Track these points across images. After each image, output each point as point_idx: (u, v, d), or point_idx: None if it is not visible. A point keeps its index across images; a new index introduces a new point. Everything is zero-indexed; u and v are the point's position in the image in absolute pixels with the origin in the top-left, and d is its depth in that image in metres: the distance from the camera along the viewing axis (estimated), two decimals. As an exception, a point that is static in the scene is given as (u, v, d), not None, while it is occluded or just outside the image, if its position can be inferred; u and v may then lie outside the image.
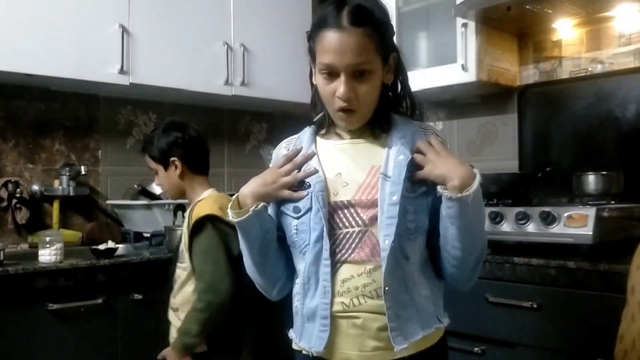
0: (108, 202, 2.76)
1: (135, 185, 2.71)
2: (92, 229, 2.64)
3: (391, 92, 1.30)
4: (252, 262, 1.30)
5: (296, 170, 1.26)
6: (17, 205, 2.47)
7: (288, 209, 1.26)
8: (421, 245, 1.23)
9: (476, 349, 1.93)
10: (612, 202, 2.08)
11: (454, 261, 1.22)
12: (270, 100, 2.95)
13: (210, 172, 2.08)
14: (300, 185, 1.25)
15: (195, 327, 1.76)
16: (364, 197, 1.21)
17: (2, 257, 1.92)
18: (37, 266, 1.93)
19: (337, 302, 1.20)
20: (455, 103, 2.88)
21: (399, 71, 1.29)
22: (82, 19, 2.36)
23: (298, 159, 1.27)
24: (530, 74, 2.64)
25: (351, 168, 1.25)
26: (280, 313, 1.32)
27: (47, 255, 1.98)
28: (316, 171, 1.24)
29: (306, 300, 1.24)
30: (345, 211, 1.21)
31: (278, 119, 3.34)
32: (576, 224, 1.87)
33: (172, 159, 1.96)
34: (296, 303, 1.28)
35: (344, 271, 1.20)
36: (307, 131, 1.33)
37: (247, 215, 1.21)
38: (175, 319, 1.89)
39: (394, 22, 2.69)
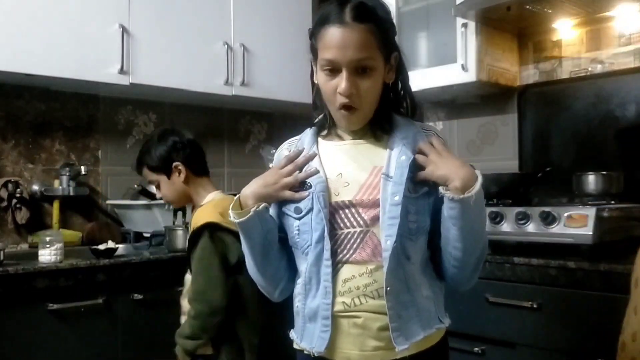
0: (108, 202, 2.76)
1: (135, 185, 2.71)
2: (92, 229, 2.64)
3: (392, 92, 1.30)
4: (254, 263, 1.30)
5: (297, 171, 1.26)
6: (17, 205, 2.47)
7: (289, 209, 1.26)
8: (423, 245, 1.23)
9: (476, 349, 1.93)
10: (612, 202, 2.08)
11: (455, 262, 1.22)
12: (270, 100, 2.95)
13: (210, 172, 2.08)
14: (302, 186, 1.25)
15: (188, 331, 1.76)
16: (365, 197, 1.21)
17: (2, 257, 1.92)
18: (37, 266, 1.93)
19: (338, 302, 1.20)
20: (455, 103, 2.88)
21: (400, 71, 1.29)
22: (82, 19, 2.35)
23: (299, 160, 1.28)
24: (530, 74, 2.64)
25: (352, 168, 1.25)
26: (283, 315, 1.32)
27: (47, 255, 1.98)
28: (317, 172, 1.25)
29: (307, 301, 1.24)
30: (347, 211, 1.21)
31: (278, 119, 3.34)
32: (576, 224, 1.87)
33: (174, 164, 1.92)
34: (297, 303, 1.28)
35: (345, 271, 1.20)
36: (309, 132, 1.34)
37: (248, 216, 1.21)
38: (183, 321, 1.89)
39: (393, 22, 2.72)
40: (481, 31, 2.46)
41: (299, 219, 1.24)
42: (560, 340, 1.76)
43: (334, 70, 1.19)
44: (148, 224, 2.57)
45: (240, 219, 1.22)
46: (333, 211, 1.22)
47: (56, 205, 2.56)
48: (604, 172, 2.16)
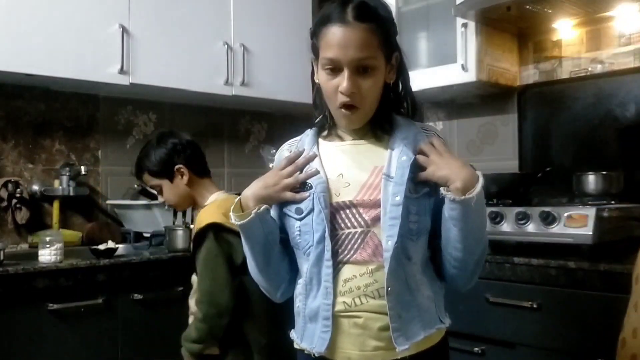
0: (108, 202, 2.76)
1: (135, 185, 2.71)
2: (92, 229, 2.64)
3: (392, 92, 1.30)
4: (255, 264, 1.30)
5: (298, 172, 1.26)
6: (17, 205, 2.47)
7: (290, 210, 1.26)
8: (423, 245, 1.23)
9: (476, 349, 1.93)
10: (612, 202, 2.08)
11: (455, 262, 1.23)
12: (270, 100, 2.95)
13: (210, 172, 2.07)
14: (302, 187, 1.25)
15: (194, 335, 1.75)
16: (366, 198, 1.21)
17: (2, 257, 1.92)
18: (37, 266, 1.93)
19: (339, 302, 1.20)
20: (455, 103, 2.88)
21: (401, 71, 1.29)
22: (82, 19, 2.36)
23: (300, 160, 1.28)
24: (530, 74, 2.64)
25: (353, 168, 1.25)
26: (290, 315, 1.32)
27: (47, 255, 1.98)
28: (317, 172, 1.24)
29: (308, 301, 1.24)
30: (347, 211, 1.22)
31: (278, 119, 3.34)
32: (576, 224, 1.87)
33: (177, 166, 1.90)
34: (298, 304, 1.28)
35: (346, 271, 1.20)
36: (309, 133, 1.34)
37: (249, 217, 1.22)
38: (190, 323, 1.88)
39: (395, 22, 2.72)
40: (481, 31, 2.46)
41: (300, 219, 1.24)
42: (560, 340, 1.76)
43: (335, 69, 1.19)
44: (148, 224, 2.57)
45: (241, 221, 1.23)
46: (334, 211, 1.22)
47: (56, 205, 2.56)
48: (604, 172, 2.16)
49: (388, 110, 1.29)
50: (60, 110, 2.64)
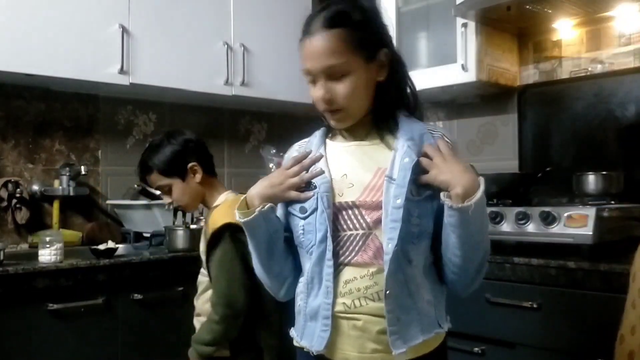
0: (108, 202, 2.76)
1: (135, 185, 2.71)
2: (92, 229, 2.64)
3: (390, 89, 1.28)
4: (259, 262, 1.31)
5: (304, 172, 1.27)
6: (17, 205, 2.47)
7: (295, 209, 1.27)
8: (425, 249, 1.23)
9: (476, 349, 1.93)
10: (612, 202, 2.08)
11: (454, 268, 1.22)
12: (270, 100, 2.95)
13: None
14: (308, 186, 1.26)
15: (209, 337, 1.72)
16: (368, 199, 1.21)
17: (2, 257, 1.92)
18: (37, 266, 1.93)
19: (339, 303, 1.21)
20: (455, 103, 2.88)
21: (394, 66, 1.27)
22: (82, 19, 2.35)
23: (305, 161, 1.29)
24: (530, 74, 2.64)
25: (357, 169, 1.25)
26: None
27: (47, 255, 1.98)
28: (322, 172, 1.25)
29: (309, 300, 1.25)
30: (350, 212, 1.22)
31: (278, 119, 3.34)
32: (576, 224, 1.87)
33: (190, 164, 1.84)
34: (299, 302, 1.29)
35: (347, 273, 1.21)
36: (317, 134, 1.35)
37: (253, 215, 1.23)
38: (198, 324, 1.85)
39: (393, 22, 2.72)
40: (481, 31, 2.46)
41: (304, 218, 1.25)
42: (560, 340, 1.76)
43: (313, 79, 1.23)
44: (148, 224, 2.57)
45: (245, 219, 1.24)
46: (337, 212, 1.22)
47: (56, 205, 2.56)
48: (604, 172, 2.16)
49: (390, 109, 1.28)
50: (60, 110, 2.64)
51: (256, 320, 1.76)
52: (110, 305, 2.07)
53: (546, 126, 2.57)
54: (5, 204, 2.45)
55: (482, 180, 1.16)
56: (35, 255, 2.01)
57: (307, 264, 1.25)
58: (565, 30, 2.51)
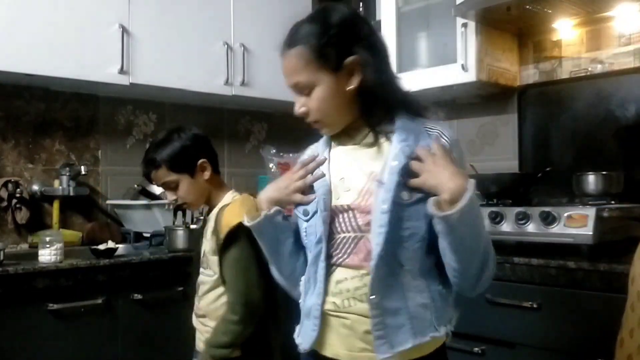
0: (108, 202, 2.76)
1: (135, 185, 2.71)
2: (92, 229, 2.64)
3: (366, 94, 1.25)
4: (272, 264, 1.36)
5: (309, 175, 1.31)
6: (17, 205, 2.47)
7: (300, 212, 1.31)
8: (419, 251, 1.20)
9: (476, 349, 1.93)
10: (612, 202, 2.08)
11: (454, 272, 1.20)
12: (270, 100, 2.95)
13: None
14: (312, 190, 1.30)
15: (227, 339, 1.68)
16: (362, 203, 1.22)
17: (2, 257, 1.92)
18: (37, 266, 1.93)
19: (330, 302, 1.24)
20: (455, 103, 2.88)
21: (369, 71, 1.23)
22: (82, 19, 2.36)
23: (310, 165, 1.32)
24: (530, 74, 2.64)
25: (353, 172, 1.26)
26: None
27: (47, 255, 1.98)
28: (323, 175, 1.29)
29: (306, 298, 1.29)
30: (345, 215, 1.24)
31: (278, 119, 3.34)
32: (576, 224, 1.87)
33: (200, 161, 1.79)
34: (300, 301, 1.32)
35: (339, 273, 1.24)
36: (326, 137, 1.37)
37: (258, 219, 1.30)
38: (200, 325, 1.80)
39: (393, 22, 2.72)
40: (481, 31, 2.46)
41: (307, 220, 1.29)
42: (560, 340, 1.76)
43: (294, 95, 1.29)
44: (148, 224, 2.57)
45: (251, 223, 1.31)
46: (333, 214, 1.24)
47: (56, 205, 2.56)
48: (604, 172, 2.16)
49: (378, 111, 1.26)
50: (60, 110, 2.65)
51: (267, 319, 1.75)
52: (110, 305, 2.07)
53: (546, 126, 2.57)
54: (5, 204, 2.45)
55: (471, 184, 1.12)
56: (35, 255, 2.01)
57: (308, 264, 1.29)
58: (565, 30, 2.51)
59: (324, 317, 1.24)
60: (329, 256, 1.24)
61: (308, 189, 1.30)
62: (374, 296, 1.17)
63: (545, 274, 1.80)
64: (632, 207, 2.05)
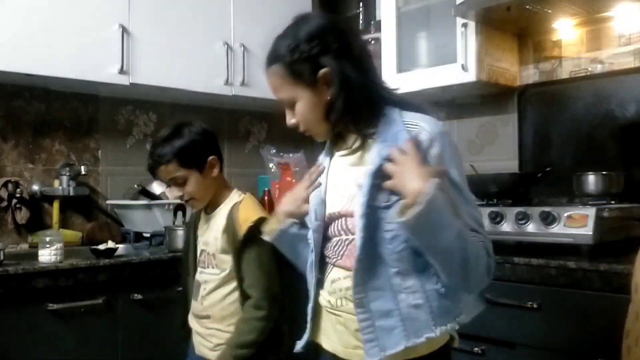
0: (108, 202, 2.76)
1: (135, 185, 2.71)
2: (92, 229, 2.64)
3: (340, 103, 1.24)
4: (296, 267, 1.43)
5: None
6: (17, 205, 2.47)
7: (307, 220, 1.36)
8: (406, 252, 1.18)
9: (476, 349, 1.92)
10: (612, 202, 2.08)
11: (438, 271, 1.18)
12: (270, 100, 2.89)
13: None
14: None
15: (253, 336, 1.67)
16: (350, 208, 1.24)
17: (2, 257, 1.92)
18: (37, 266, 1.93)
19: (326, 300, 1.29)
20: (455, 103, 2.88)
21: (341, 79, 1.22)
22: (82, 19, 2.36)
23: (313, 174, 1.36)
24: (530, 74, 2.64)
25: (344, 178, 1.29)
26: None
27: (47, 255, 1.98)
28: (319, 185, 1.33)
29: (310, 298, 1.34)
30: (338, 221, 1.28)
31: (278, 119, 3.32)
32: (576, 224, 1.87)
33: (211, 157, 1.76)
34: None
35: (334, 273, 1.28)
36: (327, 143, 1.39)
37: (275, 234, 1.39)
38: (201, 328, 1.77)
39: (393, 22, 2.72)
40: (481, 31, 2.46)
41: (311, 227, 1.34)
42: (560, 340, 1.76)
43: None
44: (148, 224, 2.57)
45: (269, 236, 1.41)
46: (329, 221, 1.29)
47: (56, 205, 2.56)
48: (604, 172, 2.16)
49: (363, 114, 1.25)
50: (60, 110, 2.64)
51: (281, 314, 1.75)
52: (110, 305, 2.07)
53: (546, 126, 2.57)
54: (5, 204, 2.45)
55: (431, 186, 1.09)
56: (35, 255, 2.01)
57: None
58: (565, 30, 2.51)
59: (324, 314, 1.30)
60: (327, 257, 1.29)
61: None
62: (359, 300, 1.19)
63: (545, 274, 1.80)
64: (632, 207, 2.05)
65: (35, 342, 1.92)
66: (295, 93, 1.26)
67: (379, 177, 1.17)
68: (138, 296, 2.12)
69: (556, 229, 1.91)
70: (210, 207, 1.83)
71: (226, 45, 2.75)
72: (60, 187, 2.55)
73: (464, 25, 2.44)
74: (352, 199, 1.23)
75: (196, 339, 1.80)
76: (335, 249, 1.27)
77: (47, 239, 1.99)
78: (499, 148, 2.73)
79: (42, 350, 1.93)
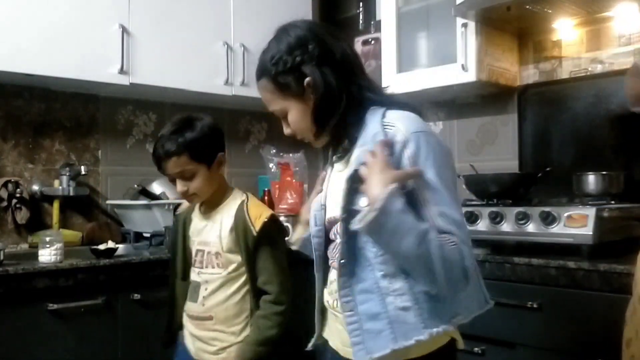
0: (108, 202, 2.76)
1: (135, 185, 2.71)
2: (92, 229, 2.64)
3: (323, 109, 1.26)
4: None
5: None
6: (17, 205, 2.47)
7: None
8: (390, 255, 1.18)
9: (476, 349, 1.93)
10: (612, 202, 2.07)
11: (414, 277, 1.17)
12: (270, 100, 2.94)
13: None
14: None
15: (275, 331, 1.67)
16: (339, 214, 1.25)
17: (2, 257, 1.92)
18: (37, 266, 1.93)
19: (326, 300, 1.32)
20: (455, 103, 2.88)
21: (323, 87, 1.24)
22: (82, 19, 2.36)
23: (319, 182, 1.41)
24: (530, 74, 2.64)
25: (337, 185, 1.30)
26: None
27: (47, 255, 1.98)
28: (321, 191, 1.37)
29: (316, 299, 1.37)
30: (335, 226, 1.29)
31: (278, 119, 3.33)
32: (576, 224, 1.87)
33: (220, 153, 1.75)
34: None
35: (332, 274, 1.30)
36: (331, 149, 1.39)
37: (300, 242, 1.46)
38: (202, 331, 1.74)
39: (393, 22, 2.72)
40: (481, 31, 2.46)
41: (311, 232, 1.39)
42: (560, 340, 1.76)
43: None
44: (148, 224, 2.57)
45: (296, 245, 1.48)
46: (329, 225, 1.32)
47: (56, 205, 2.56)
48: (604, 172, 2.17)
49: (348, 119, 1.26)
50: (60, 110, 2.64)
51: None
52: (110, 305, 2.07)
53: (546, 126, 2.57)
54: (5, 204, 2.45)
55: (386, 193, 1.08)
56: (35, 255, 2.01)
57: None
58: (565, 30, 2.51)
59: (329, 313, 1.33)
60: (327, 259, 1.32)
61: None
62: (344, 300, 1.21)
63: (545, 274, 1.80)
64: (632, 207, 2.05)
65: (35, 342, 1.92)
66: (285, 104, 1.29)
67: (357, 181, 1.17)
68: (138, 296, 2.12)
69: (556, 229, 1.91)
70: (208, 206, 1.80)
71: (226, 45, 2.75)
72: (60, 187, 2.55)
73: (464, 25, 2.44)
74: (338, 205, 1.25)
75: (195, 344, 1.76)
76: (334, 251, 1.29)
77: (47, 239, 1.99)
78: (498, 148, 2.73)
79: (42, 350, 1.93)
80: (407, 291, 1.17)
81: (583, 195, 2.19)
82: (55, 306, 1.94)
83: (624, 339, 1.28)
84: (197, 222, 1.83)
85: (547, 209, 1.95)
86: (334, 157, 1.34)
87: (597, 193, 2.15)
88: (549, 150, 2.55)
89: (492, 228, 2.05)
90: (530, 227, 1.98)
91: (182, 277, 1.85)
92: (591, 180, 2.17)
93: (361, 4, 3.25)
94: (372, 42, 3.13)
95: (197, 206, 1.86)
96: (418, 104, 1.32)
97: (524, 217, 1.99)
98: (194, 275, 1.80)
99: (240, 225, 1.71)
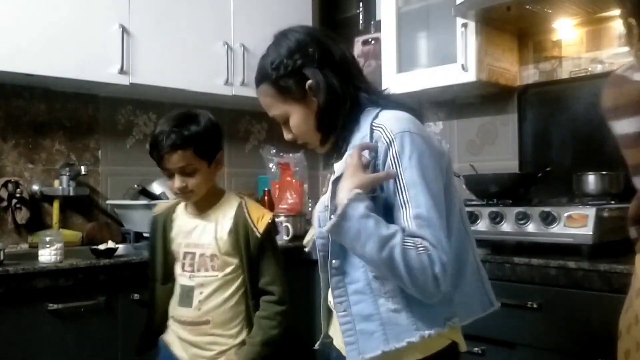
0: (108, 202, 2.76)
1: (135, 185, 2.71)
2: (92, 229, 2.64)
3: (326, 113, 1.27)
4: None
5: None
6: (17, 205, 2.47)
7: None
8: None
9: (476, 349, 1.93)
10: (612, 202, 2.07)
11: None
12: (270, 100, 2.94)
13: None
14: None
15: (279, 330, 1.68)
16: None
17: (2, 257, 1.92)
18: (37, 266, 1.93)
19: (330, 300, 1.32)
20: (455, 103, 2.88)
21: (324, 89, 1.25)
22: (82, 19, 2.36)
23: (326, 183, 1.38)
24: (530, 74, 2.64)
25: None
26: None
27: (47, 255, 1.98)
28: (325, 192, 1.34)
29: (322, 298, 1.39)
30: None
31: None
32: (576, 224, 1.87)
33: (220, 152, 1.74)
34: None
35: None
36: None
37: (309, 247, 1.42)
38: (196, 336, 1.71)
39: (393, 22, 2.72)
40: (481, 31, 2.46)
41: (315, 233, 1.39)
42: (560, 340, 1.76)
43: None
44: (148, 224, 2.56)
45: (309, 247, 1.44)
46: None
47: (56, 205, 2.56)
48: (604, 172, 2.16)
49: (347, 120, 1.27)
50: (60, 110, 2.64)
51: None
52: (110, 305, 2.07)
53: (546, 126, 2.57)
54: (5, 204, 2.45)
55: (348, 198, 1.09)
56: (35, 255, 2.01)
57: None
58: (565, 30, 2.51)
59: (334, 312, 1.32)
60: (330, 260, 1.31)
61: None
62: (338, 301, 1.21)
63: (545, 274, 1.80)
64: (632, 207, 2.05)
65: (35, 342, 1.92)
66: (287, 108, 1.29)
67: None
68: (138, 296, 2.12)
69: (556, 229, 1.91)
70: (198, 206, 1.76)
71: (226, 45, 2.75)
72: (60, 187, 2.55)
73: (464, 25, 2.44)
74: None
75: (190, 351, 1.72)
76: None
77: (47, 239, 1.99)
78: (498, 148, 2.73)
79: (42, 350, 1.93)
80: (398, 293, 1.17)
81: (583, 195, 2.19)
82: (55, 306, 1.94)
83: (621, 350, 1.27)
84: (183, 223, 1.79)
85: (547, 209, 1.95)
86: (333, 159, 1.34)
87: (597, 193, 2.15)
88: (549, 150, 2.55)
89: (492, 228, 2.05)
90: (530, 227, 1.98)
91: (162, 281, 1.81)
92: (591, 180, 2.17)
93: (361, 4, 3.25)
94: (372, 42, 3.13)
95: (180, 206, 1.82)
96: (416, 103, 1.33)
97: (524, 217, 1.99)
98: (183, 280, 1.75)
99: (241, 227, 1.70)
